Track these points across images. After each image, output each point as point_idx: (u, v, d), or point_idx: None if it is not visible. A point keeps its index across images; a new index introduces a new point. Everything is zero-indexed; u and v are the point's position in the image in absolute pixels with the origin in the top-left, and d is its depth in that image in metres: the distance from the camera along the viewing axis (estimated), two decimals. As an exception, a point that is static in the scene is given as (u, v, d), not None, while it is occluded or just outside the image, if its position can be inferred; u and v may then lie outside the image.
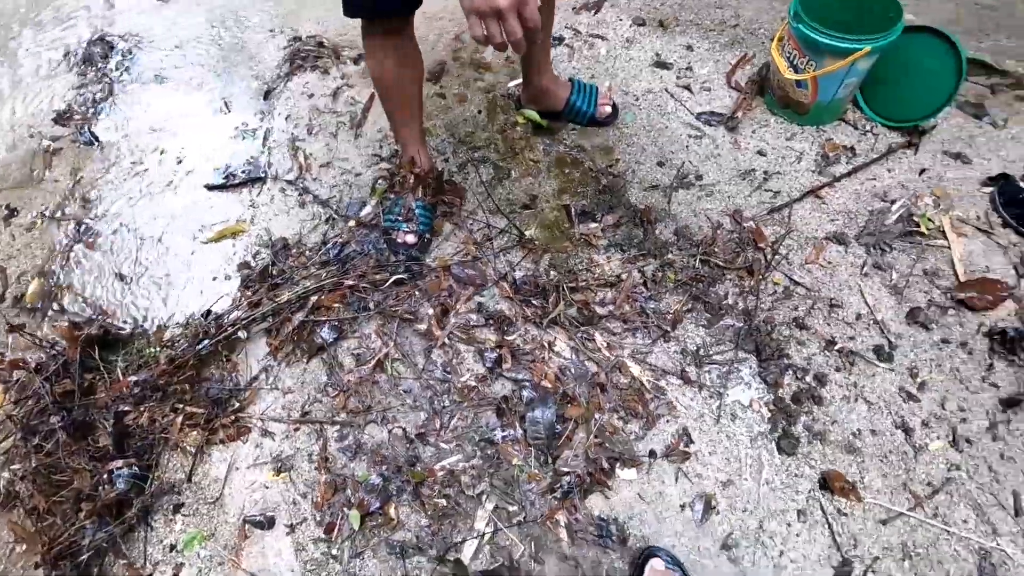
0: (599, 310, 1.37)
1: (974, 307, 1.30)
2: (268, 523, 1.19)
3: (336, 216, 1.57)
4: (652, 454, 1.20)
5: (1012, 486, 1.13)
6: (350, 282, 1.40)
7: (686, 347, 1.32)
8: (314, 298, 1.39)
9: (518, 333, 1.35)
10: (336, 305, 1.40)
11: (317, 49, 1.94)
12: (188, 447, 1.27)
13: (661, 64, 1.79)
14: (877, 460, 1.18)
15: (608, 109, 1.66)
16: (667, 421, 1.24)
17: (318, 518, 1.18)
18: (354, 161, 1.67)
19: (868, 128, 1.60)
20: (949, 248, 1.39)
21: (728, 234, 1.46)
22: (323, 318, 1.38)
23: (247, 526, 1.19)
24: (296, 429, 1.28)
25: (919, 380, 1.25)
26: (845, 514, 1.13)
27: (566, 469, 1.17)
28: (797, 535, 1.12)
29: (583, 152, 1.63)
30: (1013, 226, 1.39)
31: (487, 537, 1.13)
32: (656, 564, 1.06)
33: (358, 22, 1.22)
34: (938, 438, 1.19)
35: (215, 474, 1.25)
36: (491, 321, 1.36)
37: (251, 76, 1.94)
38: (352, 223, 1.54)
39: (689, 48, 1.83)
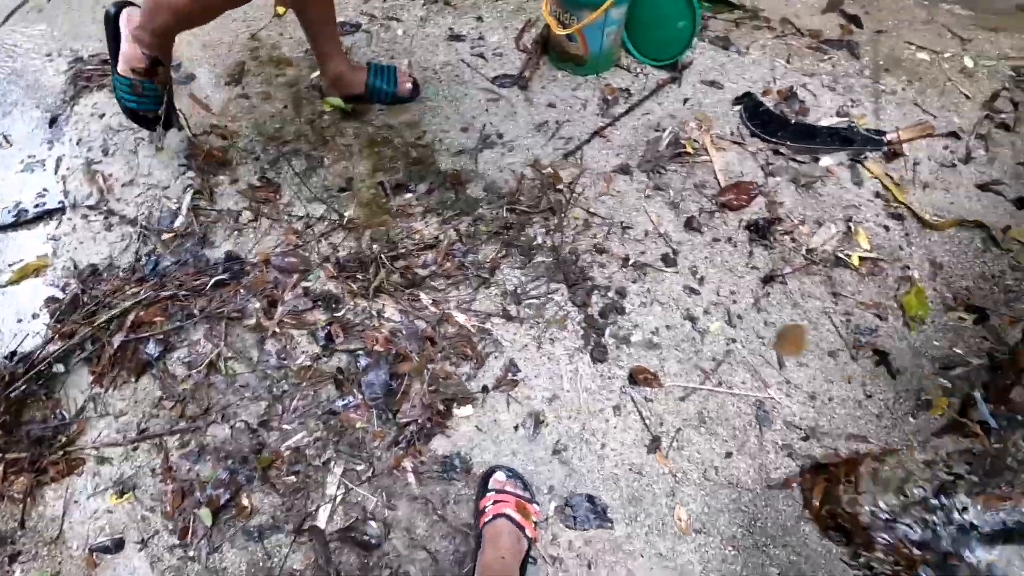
0: (422, 272, 1.45)
1: (733, 207, 1.53)
2: (116, 546, 1.17)
3: (147, 232, 1.53)
4: (484, 389, 1.32)
5: (774, 345, 1.36)
6: (168, 293, 1.39)
7: (505, 289, 1.44)
8: (132, 316, 1.37)
9: (347, 308, 1.40)
10: (158, 319, 1.38)
11: (102, 67, 1.85)
12: (15, 494, 1.21)
13: (455, 37, 1.90)
14: (672, 349, 1.37)
15: (409, 86, 1.73)
16: (495, 357, 1.36)
17: (170, 526, 1.18)
18: (159, 175, 1.63)
19: (639, 70, 1.81)
20: (711, 162, 1.62)
21: (531, 182, 1.60)
22: (146, 334, 1.35)
23: (95, 554, 1.16)
24: (135, 448, 1.26)
25: (698, 276, 1.45)
26: (651, 400, 1.30)
27: (406, 420, 1.26)
28: (615, 427, 1.28)
29: (391, 129, 1.70)
30: (757, 135, 1.64)
31: (339, 499, 1.19)
32: (498, 476, 1.17)
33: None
34: (717, 320, 1.40)
35: (51, 513, 1.21)
36: (319, 302, 1.41)
37: (32, 105, 1.81)
38: (166, 236, 1.51)
39: (479, 19, 1.94)
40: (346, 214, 1.54)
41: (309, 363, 1.33)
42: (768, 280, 1.43)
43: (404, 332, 1.37)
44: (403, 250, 1.47)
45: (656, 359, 1.35)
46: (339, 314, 1.39)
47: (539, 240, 1.51)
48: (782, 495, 1.21)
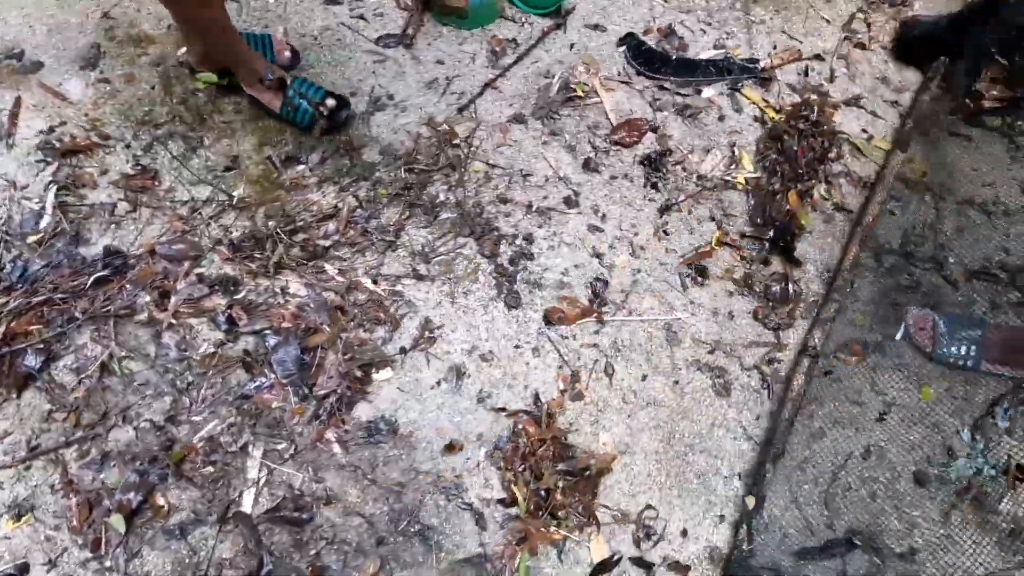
0: (324, 243, 1.41)
1: (626, 144, 1.57)
2: (21, 571, 1.08)
3: (9, 237, 1.38)
4: (403, 350, 1.30)
5: (676, 270, 1.43)
6: (41, 299, 1.27)
7: (413, 249, 1.42)
8: (3, 328, 1.24)
9: (248, 289, 1.34)
10: (35, 328, 1.26)
11: (-73, 62, 1.64)
12: None
13: (332, 0, 1.81)
14: (582, 287, 1.40)
15: (287, 54, 1.64)
16: (410, 318, 1.35)
17: (80, 541, 1.11)
18: (15, 173, 1.47)
19: (524, 20, 1.80)
20: (602, 103, 1.65)
21: (427, 141, 1.57)
22: (22, 345, 1.24)
23: (-4, 584, 1.08)
24: (27, 467, 1.16)
25: (600, 214, 1.49)
26: (567, 337, 1.34)
27: (324, 392, 1.23)
28: (535, 368, 1.31)
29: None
30: (643, 73, 1.69)
31: (263, 481, 1.16)
32: None
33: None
34: (622, 254, 1.45)
35: (-62, 552, 1.10)
36: (217, 287, 1.33)
37: None
38: (32, 239, 1.38)
39: (356, -20, 1.87)
40: (235, 193, 1.46)
41: (213, 350, 1.26)
42: (665, 209, 1.49)
43: (312, 305, 1.33)
44: (301, 223, 1.42)
45: (568, 299, 1.39)
46: (239, 296, 1.32)
47: (442, 197, 1.50)
48: (695, 406, 1.29)
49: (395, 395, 1.26)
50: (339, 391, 1.23)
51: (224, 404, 1.22)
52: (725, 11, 1.85)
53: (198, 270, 1.36)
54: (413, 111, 1.62)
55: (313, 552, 1.11)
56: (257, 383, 1.24)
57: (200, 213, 1.43)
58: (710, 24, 1.82)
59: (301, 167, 1.52)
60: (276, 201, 1.47)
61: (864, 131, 1.63)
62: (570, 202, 1.50)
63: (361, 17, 1.79)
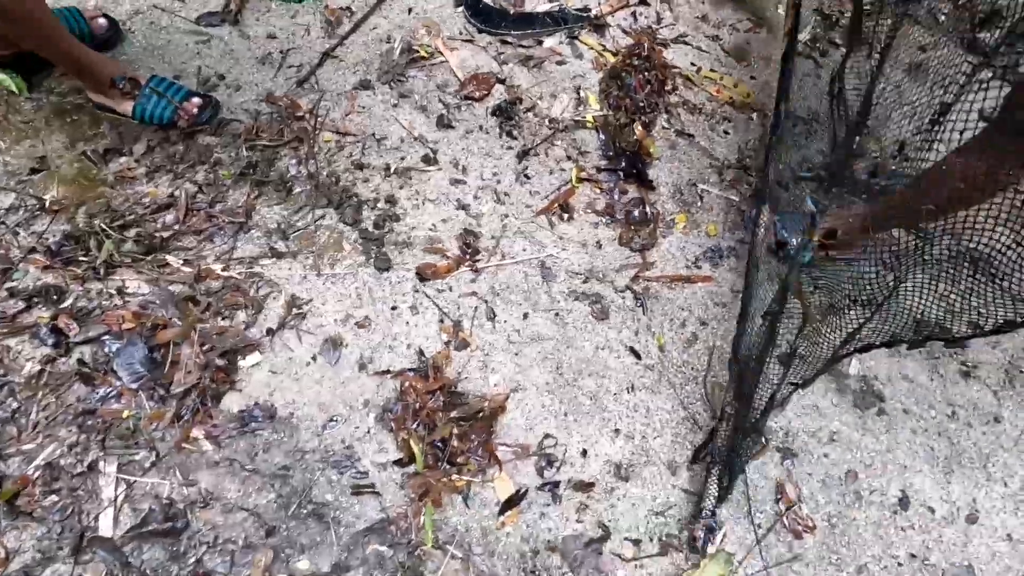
0: (163, 234, 1.28)
1: (477, 98, 1.58)
2: None
3: None
4: (269, 331, 1.22)
5: (542, 210, 1.46)
6: None
7: (268, 228, 1.33)
8: None
9: (75, 295, 1.18)
10: None
11: None
12: None
13: (139, -17, 1.66)
14: (452, 239, 1.39)
15: (103, 21, 1.48)
16: (274, 298, 1.26)
17: None
18: None
19: (356, -12, 1.76)
20: (447, 62, 1.64)
21: (269, 116, 1.48)
22: None
23: None
24: None
25: (461, 167, 1.49)
26: (442, 290, 1.32)
27: (183, 389, 1.12)
28: (415, 326, 1.27)
29: (83, 93, 1.45)
30: (484, 30, 1.71)
31: (122, 498, 1.03)
32: None
33: None
34: (487, 203, 1.45)
35: None
36: (36, 299, 1.17)
37: None
38: None
39: (164, -40, 1.72)
40: (47, 197, 1.28)
41: (40, 368, 1.10)
42: (523, 155, 1.52)
43: (157, 301, 1.20)
44: (132, 217, 1.27)
45: (438, 253, 1.36)
46: (66, 305, 1.17)
47: (293, 171, 1.41)
48: (577, 334, 1.31)
49: (267, 379, 1.16)
50: (201, 385, 1.12)
51: (62, 424, 1.06)
52: (553, -32, 1.92)
53: (9, 284, 1.18)
54: (248, 89, 1.52)
55: (193, 560, 1.00)
56: (101, 394, 1.09)
57: (4, 223, 1.25)
58: (542, -20, 1.88)
59: (125, 159, 1.37)
60: (99, 198, 1.31)
61: (692, 64, 1.76)
62: (429, 160, 1.48)
63: (176, -2, 1.65)
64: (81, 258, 1.21)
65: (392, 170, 1.45)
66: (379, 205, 1.40)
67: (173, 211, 1.31)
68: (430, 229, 1.39)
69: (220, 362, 1.14)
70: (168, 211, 1.31)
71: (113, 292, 1.20)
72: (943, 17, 2.01)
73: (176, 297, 1.20)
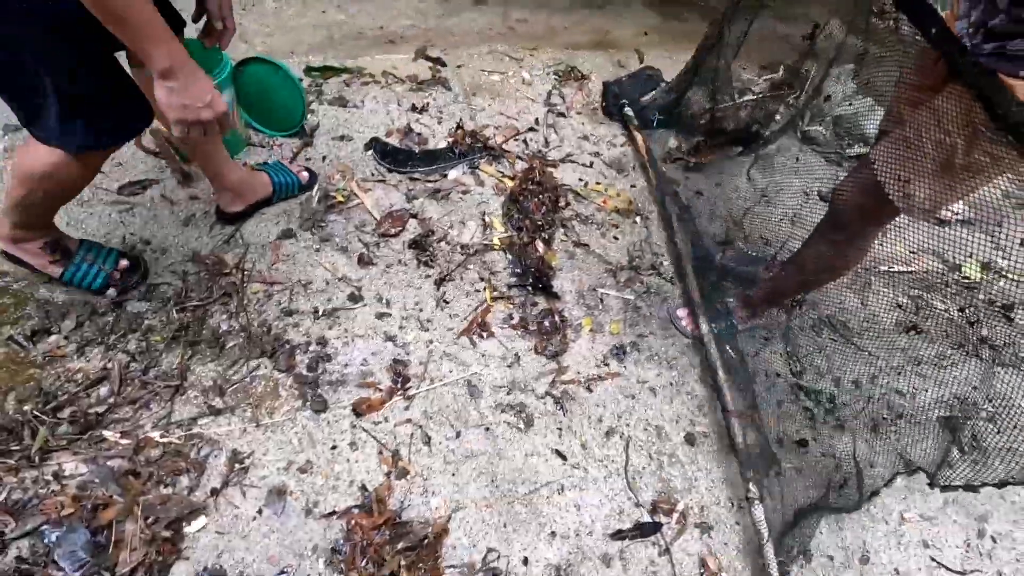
0: (98, 410, 1.32)
1: (393, 235, 1.75)
2: None
3: None
4: (214, 491, 1.26)
5: (463, 331, 1.61)
6: None
7: (204, 387, 1.40)
8: None
9: (9, 487, 1.19)
10: None
11: None
12: None
13: (58, 159, 1.75)
14: (383, 371, 1.50)
15: (306, 173, 1.77)
16: (215, 456, 1.31)
17: None
18: None
19: (272, 143, 1.93)
20: (363, 203, 1.82)
21: (197, 276, 1.58)
22: None
23: None
24: None
25: (385, 300, 1.63)
26: (379, 422, 1.42)
27: (129, 569, 1.14)
28: (356, 462, 1.36)
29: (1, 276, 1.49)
30: (393, 169, 1.91)
31: None
32: None
33: None
34: (412, 331, 1.59)
35: None
36: (-34, 499, 1.17)
37: None
38: None
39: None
40: (-27, 388, 1.30)
41: (-25, 573, 1.10)
42: (441, 282, 1.68)
43: (96, 480, 1.23)
44: (65, 396, 1.31)
45: (371, 386, 1.47)
46: None
47: (224, 327, 1.50)
48: (507, 445, 1.44)
49: (215, 541, 1.20)
50: (147, 561, 1.14)
51: (2, 629, 1.06)
52: (451, 105, 2.18)
53: (-64, 489, 1.17)
54: (175, 251, 1.62)
55: None
56: (42, 590, 1.10)
57: (-73, 423, 1.25)
58: (441, 118, 2.12)
59: (54, 337, 1.41)
60: (29, 382, 1.34)
61: (580, 179, 2.02)
62: (354, 298, 1.61)
63: (100, 171, 1.74)
64: (14, 448, 1.23)
65: (320, 312, 1.56)
66: (311, 348, 1.50)
67: (107, 384, 1.36)
68: (361, 364, 1.50)
69: (166, 533, 1.17)
70: (102, 384, 1.36)
71: (50, 478, 1.21)
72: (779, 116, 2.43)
73: (116, 473, 1.24)
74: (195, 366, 1.42)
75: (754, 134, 2.17)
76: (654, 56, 2.60)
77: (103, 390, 1.35)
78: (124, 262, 1.50)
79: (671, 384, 1.61)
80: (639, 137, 2.14)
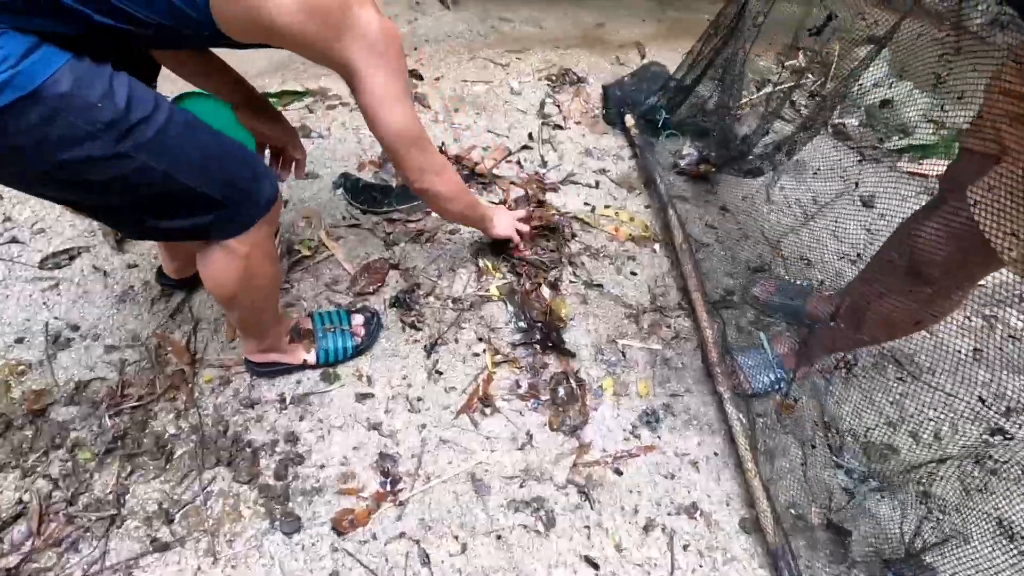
0: (11, 560, 1.06)
1: (371, 292, 1.47)
2: None
3: None
4: (160, 660, 1.01)
5: (461, 409, 1.35)
6: None
7: (147, 513, 1.14)
8: None
9: None
10: None
11: None
12: None
13: (-32, 231, 1.48)
14: (368, 470, 1.24)
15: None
16: (162, 608, 1.06)
17: None
18: None
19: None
20: (334, 255, 1.55)
21: (138, 365, 1.31)
22: None
23: None
24: None
25: (366, 377, 1.35)
26: (365, 541, 1.16)
27: None
28: (340, 596, 1.10)
29: None
30: (368, 210, 1.63)
31: None
32: None
33: None
34: (401, 414, 1.32)
35: None
36: None
37: None
38: None
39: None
40: None
41: None
42: (432, 347, 1.41)
43: (8, 661, 0.97)
44: (-32, 547, 1.05)
45: (354, 493, 1.21)
46: None
47: (171, 430, 1.23)
48: (525, 555, 1.18)
49: None
50: None
51: None
52: (430, 126, 1.90)
53: None
54: (110, 334, 1.35)
55: None
56: None
57: None
58: (421, 142, 1.84)
59: (-44, 465, 1.15)
60: (-75, 528, 1.08)
61: (586, 204, 1.75)
62: (329, 377, 1.34)
63: (14, 240, 1.47)
64: (-101, 627, 0.98)
65: (288, 400, 1.30)
66: (278, 448, 1.24)
67: (23, 522, 1.10)
68: (341, 463, 1.24)
69: None
70: (16, 524, 1.09)
71: (-54, 666, 0.96)
72: (805, 108, 2.14)
73: (32, 650, 0.98)
74: (135, 486, 1.16)
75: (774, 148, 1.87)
76: (657, 50, 2.32)
77: (18, 531, 1.08)
78: (357, 317, 1.38)
79: (716, 454, 1.34)
80: (643, 150, 1.86)
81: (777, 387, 1.38)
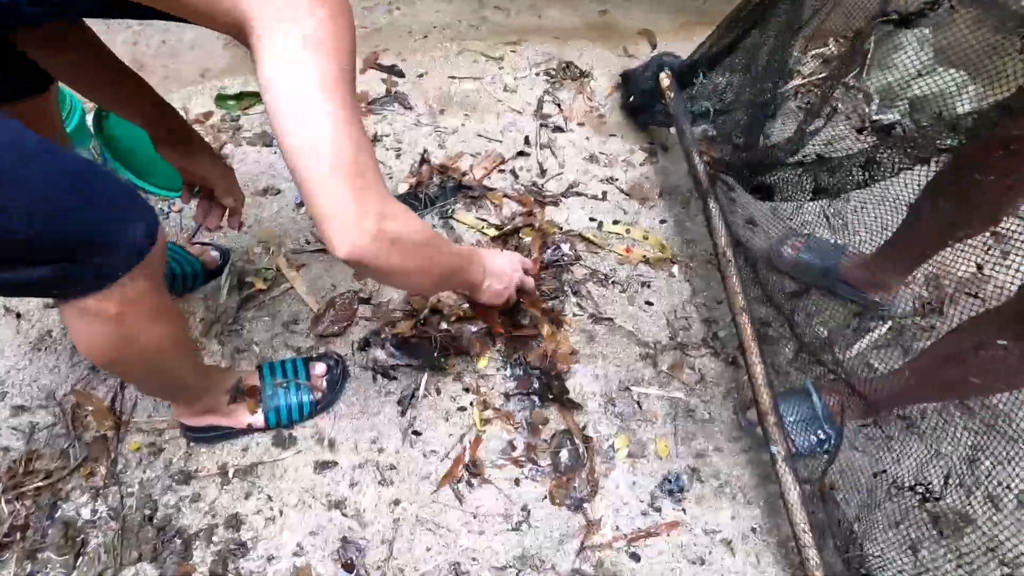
0: None
1: (336, 333, 1.23)
2: None
3: None
4: None
5: (443, 480, 1.11)
6: None
7: (48, 627, 0.92)
8: None
9: None
10: None
11: None
12: None
13: None
14: (328, 562, 1.00)
15: (215, 253, 1.29)
16: None
17: None
18: None
19: (167, 206, 1.42)
20: (294, 287, 1.31)
21: (48, 432, 1.07)
22: None
23: None
24: None
25: (327, 441, 1.12)
26: (321, 659, 0.94)
27: None
28: None
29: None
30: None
31: None
32: None
33: None
34: (369, 488, 1.08)
35: None
36: None
37: None
38: None
39: None
40: None
41: None
42: (408, 402, 1.17)
43: None
44: None
45: (313, 589, 0.98)
46: None
47: (85, 514, 1.00)
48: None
49: None
50: None
51: None
52: (412, 130, 1.65)
53: None
54: (19, 391, 1.12)
55: None
56: None
57: None
58: (400, 150, 1.60)
59: None
60: None
61: (592, 219, 1.50)
62: (282, 441, 1.11)
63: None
64: None
65: (232, 472, 1.06)
66: (216, 535, 1.01)
67: None
68: (294, 553, 1.01)
69: None
70: None
71: None
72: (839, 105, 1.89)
73: None
74: (36, 592, 0.94)
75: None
76: (669, 39, 2.06)
77: None
78: (318, 366, 1.13)
79: (755, 530, 1.10)
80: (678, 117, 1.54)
81: (822, 449, 1.14)
